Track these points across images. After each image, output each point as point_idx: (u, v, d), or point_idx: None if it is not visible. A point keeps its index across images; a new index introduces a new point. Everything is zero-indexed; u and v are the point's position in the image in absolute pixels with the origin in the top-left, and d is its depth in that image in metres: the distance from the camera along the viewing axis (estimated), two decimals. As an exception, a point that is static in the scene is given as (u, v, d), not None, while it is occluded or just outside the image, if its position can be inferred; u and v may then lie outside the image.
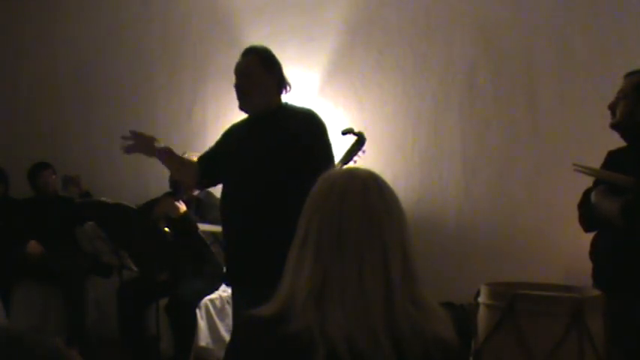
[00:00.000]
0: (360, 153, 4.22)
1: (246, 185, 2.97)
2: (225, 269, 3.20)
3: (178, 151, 4.96)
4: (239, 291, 3.09)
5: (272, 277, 1.41)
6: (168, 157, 3.22)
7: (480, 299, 2.68)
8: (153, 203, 4.58)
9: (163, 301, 4.35)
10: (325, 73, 4.88)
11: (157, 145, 3.17)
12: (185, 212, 4.34)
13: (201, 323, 4.40)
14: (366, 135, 4.27)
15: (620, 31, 4.08)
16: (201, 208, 4.56)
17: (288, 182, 2.84)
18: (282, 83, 3.11)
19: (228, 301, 4.52)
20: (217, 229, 3.84)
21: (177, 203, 4.35)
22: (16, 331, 1.17)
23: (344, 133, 4.04)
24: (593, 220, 2.82)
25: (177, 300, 4.29)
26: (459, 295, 3.90)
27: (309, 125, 3.02)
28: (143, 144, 3.16)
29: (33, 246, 5.04)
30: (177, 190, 4.50)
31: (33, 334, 1.17)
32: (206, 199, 4.63)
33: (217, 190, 4.73)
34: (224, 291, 4.60)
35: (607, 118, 2.91)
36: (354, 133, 4.11)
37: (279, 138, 2.97)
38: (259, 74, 3.06)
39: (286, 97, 3.15)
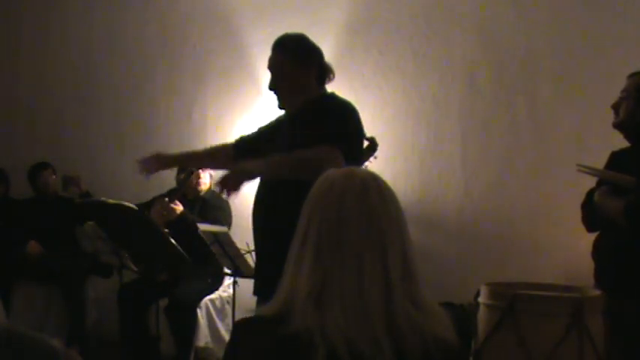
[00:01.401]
0: (371, 158, 4.20)
1: (269, 185, 2.79)
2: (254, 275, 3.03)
3: (178, 151, 5.00)
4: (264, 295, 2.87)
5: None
6: (185, 162, 3.13)
7: (480, 299, 2.69)
8: (144, 206, 4.55)
9: (163, 302, 4.35)
10: (325, 73, 4.87)
11: (166, 157, 3.05)
12: (182, 213, 4.30)
13: (202, 323, 4.41)
14: (376, 139, 4.25)
15: (620, 31, 4.08)
16: (205, 209, 4.53)
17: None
18: (322, 73, 2.82)
19: (228, 301, 4.52)
20: (217, 229, 3.84)
21: (172, 205, 4.30)
22: (16, 331, 1.17)
23: None
24: (596, 221, 2.82)
25: (177, 302, 4.28)
26: (459, 295, 3.90)
27: (334, 113, 2.73)
28: (154, 163, 3.05)
29: (33, 246, 5.05)
30: (177, 189, 4.49)
31: (33, 334, 1.17)
32: (212, 199, 4.60)
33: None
34: (224, 291, 4.60)
35: (607, 118, 2.91)
36: (367, 139, 4.10)
37: (306, 134, 2.68)
38: (289, 70, 2.78)
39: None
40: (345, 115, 2.76)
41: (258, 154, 2.85)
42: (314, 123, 2.67)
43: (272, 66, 2.84)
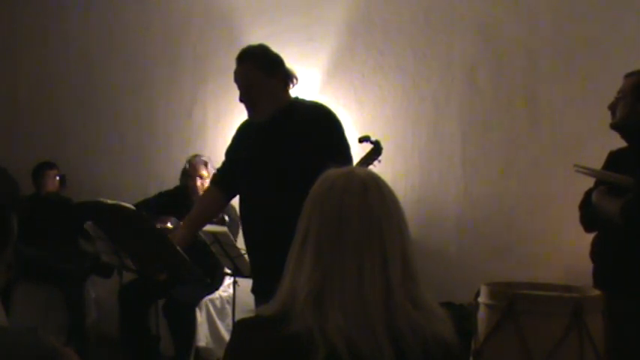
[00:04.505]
0: (375, 162, 4.19)
1: (266, 192, 2.86)
2: (252, 281, 3.09)
3: (178, 151, 5.01)
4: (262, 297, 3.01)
5: None
6: (196, 230, 3.22)
7: (480, 299, 2.69)
8: (148, 203, 4.55)
9: (163, 302, 4.35)
10: (325, 73, 4.88)
11: (181, 235, 3.12)
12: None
13: (201, 323, 4.41)
14: (380, 142, 4.24)
15: (620, 31, 4.08)
16: None
17: (306, 184, 2.64)
18: (287, 79, 2.95)
19: (228, 301, 4.52)
20: (217, 229, 3.84)
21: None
22: (15, 330, 1.17)
23: (360, 140, 4.00)
24: (593, 221, 2.82)
25: (175, 302, 4.28)
26: (459, 295, 3.90)
27: (324, 124, 2.89)
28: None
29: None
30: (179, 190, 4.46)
31: (30, 333, 1.17)
32: None
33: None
34: (224, 291, 4.60)
35: (606, 118, 2.91)
36: (371, 142, 4.09)
37: (293, 140, 2.84)
38: (261, 80, 2.88)
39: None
40: (329, 117, 2.94)
41: (238, 176, 2.98)
42: (300, 128, 2.84)
43: (242, 77, 2.92)
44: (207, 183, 4.60)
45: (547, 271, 3.98)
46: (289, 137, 2.87)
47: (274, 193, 2.83)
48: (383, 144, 4.17)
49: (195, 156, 4.71)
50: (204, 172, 4.57)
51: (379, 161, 4.19)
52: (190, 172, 4.60)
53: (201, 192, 4.59)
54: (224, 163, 3.15)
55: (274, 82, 2.91)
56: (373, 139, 4.11)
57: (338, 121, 2.95)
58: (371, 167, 4.10)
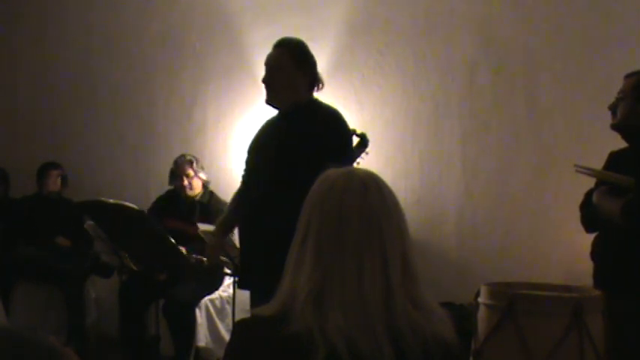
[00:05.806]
0: (363, 154, 4.21)
1: (259, 184, 2.90)
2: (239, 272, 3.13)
3: (178, 151, 5.01)
4: (254, 293, 3.03)
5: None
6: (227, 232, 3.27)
7: (480, 299, 2.69)
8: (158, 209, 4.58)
9: (163, 301, 4.35)
10: (325, 73, 4.84)
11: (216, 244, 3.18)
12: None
13: (201, 323, 4.41)
14: (367, 135, 4.27)
15: (620, 31, 4.08)
16: (206, 213, 4.49)
17: (302, 181, 2.67)
18: (314, 80, 2.99)
19: (228, 301, 4.52)
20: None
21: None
22: (15, 330, 1.17)
23: None
24: (594, 221, 2.82)
25: (174, 301, 4.28)
26: (459, 295, 3.90)
27: (338, 128, 2.93)
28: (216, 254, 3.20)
29: (62, 240, 5.07)
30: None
31: (30, 333, 1.17)
32: (214, 204, 4.57)
33: (223, 194, 4.72)
34: (224, 291, 4.60)
35: (606, 118, 2.91)
36: (357, 135, 4.10)
37: (298, 136, 2.88)
38: (288, 69, 2.94)
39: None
40: (338, 121, 2.99)
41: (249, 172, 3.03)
42: (308, 126, 2.87)
43: (273, 60, 2.99)
44: (194, 182, 4.61)
45: (547, 271, 3.98)
46: (303, 136, 2.89)
47: (280, 191, 2.83)
48: (383, 144, 4.18)
49: (181, 156, 4.71)
50: (190, 172, 4.58)
51: (367, 153, 4.21)
52: (177, 172, 4.62)
53: (188, 190, 4.60)
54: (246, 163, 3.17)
55: (301, 76, 2.96)
56: (359, 132, 4.12)
57: (345, 123, 3.00)
58: (359, 160, 4.12)
